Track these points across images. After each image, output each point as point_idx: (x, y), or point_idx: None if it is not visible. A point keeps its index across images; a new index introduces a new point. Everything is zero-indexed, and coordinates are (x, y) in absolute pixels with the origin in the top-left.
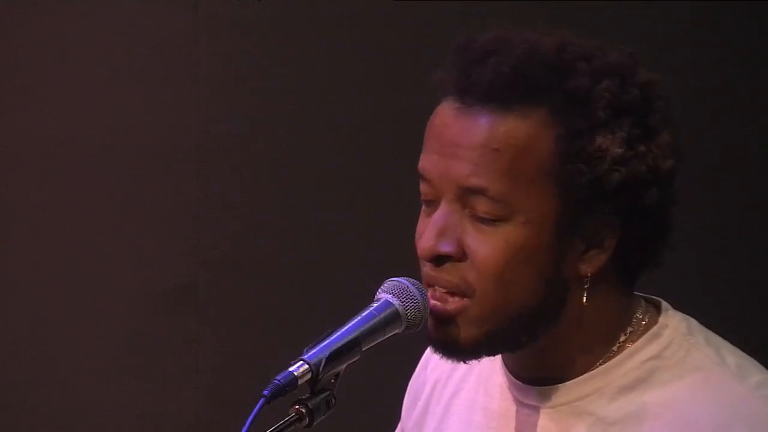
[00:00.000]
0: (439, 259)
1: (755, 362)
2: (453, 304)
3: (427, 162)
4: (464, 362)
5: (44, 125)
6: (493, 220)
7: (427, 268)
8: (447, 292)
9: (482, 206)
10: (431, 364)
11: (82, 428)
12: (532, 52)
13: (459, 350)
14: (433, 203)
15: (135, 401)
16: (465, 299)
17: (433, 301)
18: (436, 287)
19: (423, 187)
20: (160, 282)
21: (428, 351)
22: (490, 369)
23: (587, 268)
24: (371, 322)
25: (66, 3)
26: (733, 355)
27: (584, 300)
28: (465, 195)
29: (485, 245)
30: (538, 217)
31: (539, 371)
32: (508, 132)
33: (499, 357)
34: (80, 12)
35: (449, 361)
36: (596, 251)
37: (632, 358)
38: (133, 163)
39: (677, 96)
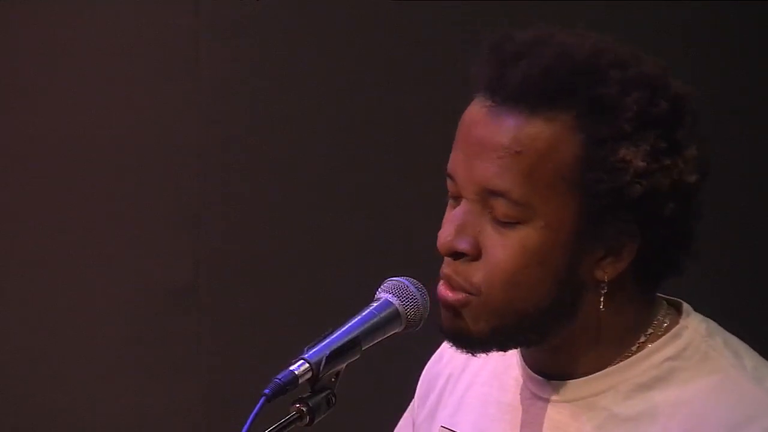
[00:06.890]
0: (455, 255)
1: None
2: (455, 295)
3: (454, 161)
4: (474, 355)
5: (45, 125)
6: (512, 223)
7: (446, 261)
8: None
9: (502, 209)
10: (446, 357)
11: (82, 427)
12: (564, 56)
13: (469, 342)
14: (458, 199)
15: (135, 401)
16: (469, 295)
17: (442, 291)
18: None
19: (450, 185)
20: (160, 282)
21: (444, 344)
22: (505, 364)
23: (604, 274)
24: (371, 322)
25: (66, 3)
26: (751, 359)
27: (601, 306)
28: (486, 196)
29: (501, 248)
30: (557, 221)
31: (554, 367)
32: (532, 135)
33: (516, 352)
34: (80, 12)
35: (462, 354)
36: (613, 258)
37: (650, 358)
38: (133, 163)
39: None
